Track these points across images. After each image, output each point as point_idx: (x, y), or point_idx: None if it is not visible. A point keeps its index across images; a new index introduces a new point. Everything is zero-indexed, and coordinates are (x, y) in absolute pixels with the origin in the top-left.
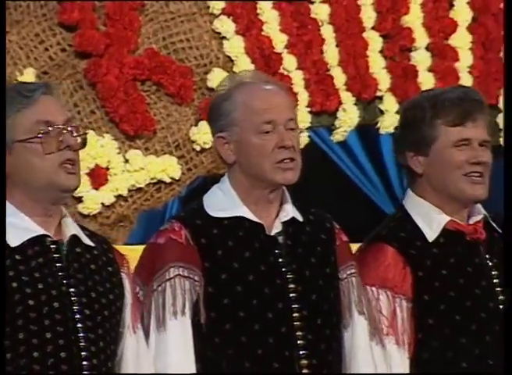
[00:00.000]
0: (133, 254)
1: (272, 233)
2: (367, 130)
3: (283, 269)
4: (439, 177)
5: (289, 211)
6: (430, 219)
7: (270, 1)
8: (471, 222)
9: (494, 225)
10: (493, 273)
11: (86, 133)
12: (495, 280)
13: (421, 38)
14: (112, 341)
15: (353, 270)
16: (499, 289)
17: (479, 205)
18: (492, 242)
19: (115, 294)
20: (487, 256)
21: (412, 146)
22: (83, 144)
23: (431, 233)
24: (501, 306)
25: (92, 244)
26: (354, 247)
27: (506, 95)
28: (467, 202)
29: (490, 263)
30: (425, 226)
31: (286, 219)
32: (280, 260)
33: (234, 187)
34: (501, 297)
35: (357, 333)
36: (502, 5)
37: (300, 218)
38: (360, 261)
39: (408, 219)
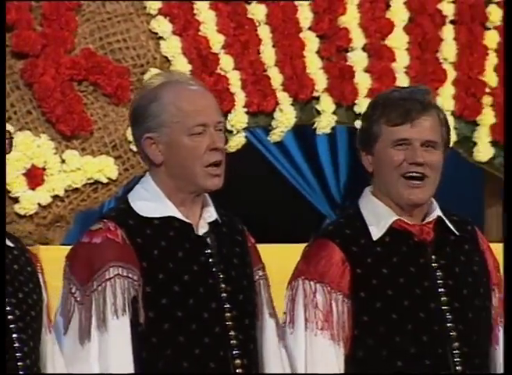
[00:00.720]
0: None
1: (201, 234)
2: (303, 131)
3: (214, 269)
4: (382, 177)
5: (213, 212)
6: (379, 218)
7: (207, 2)
8: (424, 222)
9: (451, 227)
10: (438, 274)
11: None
12: (438, 281)
13: (358, 39)
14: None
15: (261, 273)
16: (442, 290)
17: (436, 205)
18: (442, 243)
19: (38, 294)
20: (433, 257)
21: (362, 145)
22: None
23: (376, 232)
24: (443, 307)
25: (11, 244)
26: (293, 247)
27: (506, 95)
28: (405, 205)
29: (436, 264)
30: (373, 225)
31: (211, 219)
32: (210, 260)
33: (160, 188)
34: (444, 298)
35: (268, 335)
36: (439, 6)
37: (219, 219)
38: (303, 255)
39: (358, 216)
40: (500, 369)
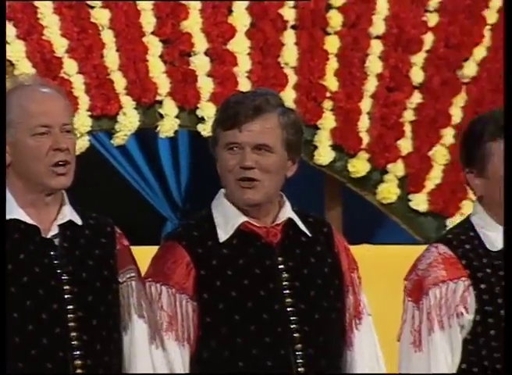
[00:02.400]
0: None
1: (48, 236)
2: (145, 134)
3: (58, 271)
4: (223, 181)
5: (67, 214)
6: (227, 220)
7: (51, 6)
8: (272, 224)
9: (303, 228)
10: (284, 275)
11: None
12: (284, 283)
13: (200, 43)
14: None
15: (132, 274)
16: (287, 292)
17: (289, 208)
18: (291, 245)
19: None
20: (280, 259)
21: (212, 148)
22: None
23: (223, 234)
24: (288, 309)
25: (80, 222)
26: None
27: (506, 95)
28: (244, 207)
29: (283, 266)
30: (221, 227)
31: (63, 221)
32: (55, 262)
33: (10, 189)
34: (289, 300)
35: (136, 337)
36: (280, 11)
37: (79, 221)
38: (153, 257)
39: (209, 218)
40: (355, 369)
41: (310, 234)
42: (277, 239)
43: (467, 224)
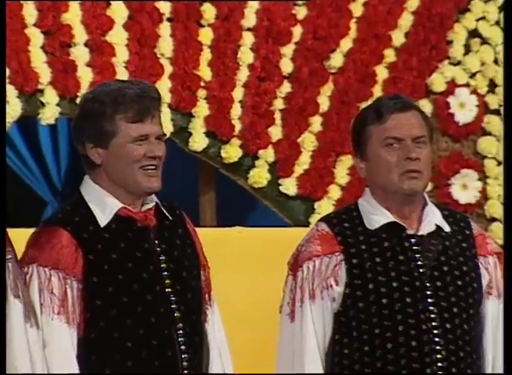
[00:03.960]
0: None
1: None
2: (27, 122)
3: None
4: (117, 169)
5: None
6: (103, 206)
7: None
8: (143, 209)
9: (165, 212)
10: (161, 258)
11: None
12: (162, 265)
13: (80, 35)
14: None
15: (9, 256)
16: (165, 273)
17: (153, 195)
18: (162, 228)
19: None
20: (156, 242)
21: (92, 138)
22: None
23: (103, 219)
24: (167, 290)
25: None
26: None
27: (506, 95)
28: (142, 194)
29: (159, 249)
30: (98, 212)
31: None
32: None
33: None
34: (167, 281)
35: (12, 317)
36: (156, 4)
37: None
38: (33, 241)
39: (83, 204)
40: (210, 344)
41: (171, 218)
42: (153, 223)
43: (353, 205)
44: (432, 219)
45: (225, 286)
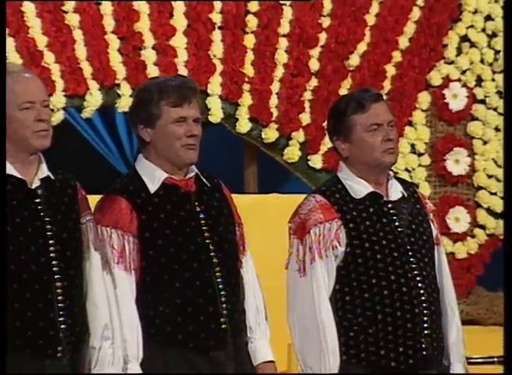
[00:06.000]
0: None
1: (33, 187)
2: (107, 110)
3: (42, 214)
4: (162, 145)
5: (45, 170)
6: (153, 176)
7: (34, 11)
8: (186, 178)
9: (204, 180)
10: (201, 216)
11: None
12: (202, 222)
13: (149, 40)
14: None
15: (89, 217)
16: (205, 228)
17: (193, 166)
18: (201, 193)
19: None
20: (196, 203)
21: (142, 120)
22: None
23: (152, 187)
24: (207, 241)
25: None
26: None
27: (506, 95)
28: (183, 164)
29: (198, 209)
30: (149, 182)
31: (43, 176)
32: (39, 207)
33: (6, 152)
34: (207, 234)
35: (93, 265)
36: (210, 15)
37: (52, 176)
38: (100, 208)
39: (136, 176)
40: (250, 285)
41: (209, 185)
42: (193, 189)
43: (335, 179)
44: (397, 187)
45: (264, 240)
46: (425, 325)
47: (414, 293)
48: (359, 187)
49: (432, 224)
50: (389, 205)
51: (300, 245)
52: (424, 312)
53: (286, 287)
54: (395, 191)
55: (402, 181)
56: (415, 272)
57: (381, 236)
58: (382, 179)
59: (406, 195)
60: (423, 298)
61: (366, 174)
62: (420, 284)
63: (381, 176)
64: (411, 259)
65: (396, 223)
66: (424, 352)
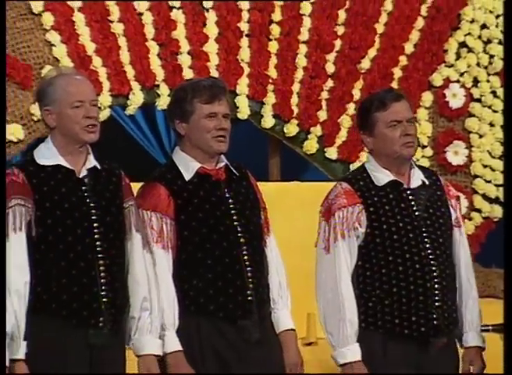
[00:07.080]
0: None
1: (81, 176)
2: (148, 107)
3: (88, 201)
4: (195, 137)
5: (92, 161)
6: (187, 166)
7: (84, 20)
8: (217, 167)
9: (233, 170)
10: (230, 201)
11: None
12: (231, 206)
13: (185, 46)
14: None
15: (131, 202)
16: (233, 212)
17: (223, 156)
18: (230, 181)
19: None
20: (225, 190)
21: (178, 116)
22: None
23: (187, 175)
24: (235, 223)
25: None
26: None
27: (506, 95)
28: (214, 154)
29: (228, 195)
30: (184, 171)
31: (90, 166)
32: (86, 194)
33: (54, 144)
34: (235, 217)
35: (135, 245)
36: (238, 25)
37: (98, 166)
38: (140, 193)
39: (173, 166)
40: (274, 263)
41: (237, 174)
42: (223, 177)
43: (362, 168)
44: (418, 176)
45: (286, 222)
46: (436, 298)
47: (426, 269)
48: (381, 176)
49: (452, 209)
50: (408, 192)
51: (326, 226)
52: (436, 286)
53: (315, 263)
54: (416, 179)
55: (425, 170)
56: (429, 251)
57: (398, 219)
58: (404, 169)
59: (427, 183)
60: (435, 273)
61: (389, 165)
62: (432, 261)
63: (402, 166)
64: (426, 240)
65: (414, 208)
66: (435, 322)
